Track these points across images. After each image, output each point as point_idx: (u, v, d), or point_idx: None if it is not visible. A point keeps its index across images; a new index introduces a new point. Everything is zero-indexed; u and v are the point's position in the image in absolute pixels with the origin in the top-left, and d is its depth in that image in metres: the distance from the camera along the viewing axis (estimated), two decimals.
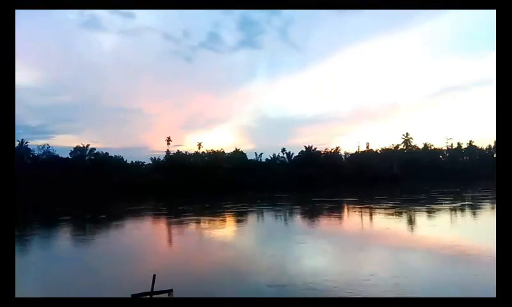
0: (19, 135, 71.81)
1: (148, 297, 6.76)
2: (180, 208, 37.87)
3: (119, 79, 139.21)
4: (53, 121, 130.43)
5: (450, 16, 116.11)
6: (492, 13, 4.28)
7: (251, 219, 28.19)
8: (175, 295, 7.13)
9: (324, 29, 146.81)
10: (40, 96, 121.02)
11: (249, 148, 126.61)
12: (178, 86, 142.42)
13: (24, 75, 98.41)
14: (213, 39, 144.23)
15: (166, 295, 7.05)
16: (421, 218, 24.82)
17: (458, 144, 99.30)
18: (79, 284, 11.19)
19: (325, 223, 24.63)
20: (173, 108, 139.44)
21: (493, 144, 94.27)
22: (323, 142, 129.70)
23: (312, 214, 29.48)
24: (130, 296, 6.73)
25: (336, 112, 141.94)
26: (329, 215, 28.40)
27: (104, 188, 62.83)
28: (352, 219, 26.09)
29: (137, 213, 33.33)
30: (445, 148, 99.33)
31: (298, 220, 26.93)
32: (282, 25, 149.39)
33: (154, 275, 6.94)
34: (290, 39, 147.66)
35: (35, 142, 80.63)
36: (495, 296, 3.74)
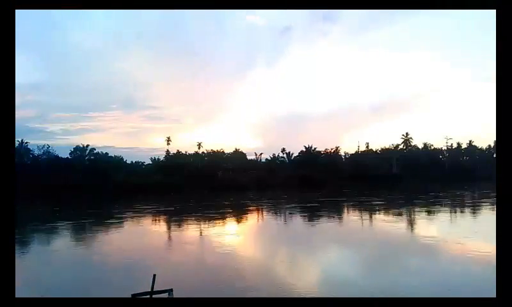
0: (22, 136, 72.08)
1: (148, 296, 6.76)
2: (177, 206, 37.89)
3: (123, 76, 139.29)
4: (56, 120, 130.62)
5: (451, 14, 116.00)
6: (492, 13, 4.29)
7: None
8: (175, 294, 7.13)
9: (321, 27, 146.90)
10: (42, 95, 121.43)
11: (251, 147, 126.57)
12: (181, 81, 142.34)
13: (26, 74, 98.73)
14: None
15: (166, 295, 7.05)
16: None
17: (458, 144, 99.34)
18: (79, 284, 11.19)
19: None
20: (175, 106, 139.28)
21: (493, 144, 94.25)
22: (324, 142, 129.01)
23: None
24: (130, 296, 6.73)
25: (336, 112, 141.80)
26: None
27: (104, 189, 62.76)
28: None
29: (138, 213, 33.30)
30: (445, 148, 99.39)
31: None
32: (282, 25, 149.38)
33: (154, 275, 6.94)
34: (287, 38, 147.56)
35: (35, 141, 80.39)
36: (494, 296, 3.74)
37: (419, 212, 28.33)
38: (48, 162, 70.99)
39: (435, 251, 14.28)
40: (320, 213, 29.26)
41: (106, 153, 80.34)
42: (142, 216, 31.73)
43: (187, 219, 27.57)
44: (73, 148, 78.25)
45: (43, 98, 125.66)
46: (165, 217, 31.86)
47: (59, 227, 25.69)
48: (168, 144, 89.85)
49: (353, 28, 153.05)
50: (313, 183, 69.54)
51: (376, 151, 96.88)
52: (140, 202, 45.52)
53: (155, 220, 29.71)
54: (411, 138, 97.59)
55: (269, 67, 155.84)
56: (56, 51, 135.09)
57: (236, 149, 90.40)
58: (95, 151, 79.28)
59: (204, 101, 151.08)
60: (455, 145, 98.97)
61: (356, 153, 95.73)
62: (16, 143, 68.48)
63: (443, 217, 25.17)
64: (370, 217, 26.71)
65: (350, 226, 23.00)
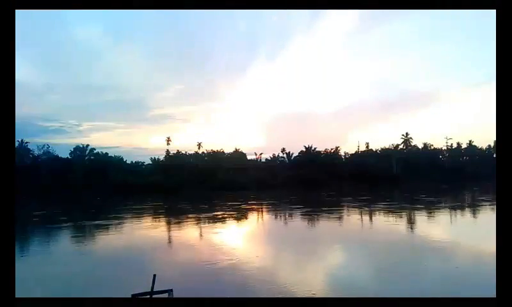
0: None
1: (148, 296, 6.75)
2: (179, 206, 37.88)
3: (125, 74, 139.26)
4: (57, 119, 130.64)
5: (451, 14, 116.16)
6: (492, 13, 4.29)
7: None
8: (175, 295, 7.13)
9: (321, 27, 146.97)
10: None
11: (251, 147, 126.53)
12: (181, 81, 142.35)
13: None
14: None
15: (166, 295, 7.04)
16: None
17: (458, 144, 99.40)
18: (79, 284, 11.20)
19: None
20: (175, 106, 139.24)
21: (493, 144, 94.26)
22: (324, 142, 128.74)
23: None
24: (130, 296, 6.72)
25: (336, 112, 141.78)
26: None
27: (104, 189, 62.80)
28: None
29: (137, 214, 33.31)
30: (445, 148, 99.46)
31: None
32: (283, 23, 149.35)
33: (154, 275, 6.92)
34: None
35: (35, 141, 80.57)
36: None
37: (421, 212, 28.29)
38: (48, 162, 71.04)
39: (447, 253, 14.21)
40: (321, 213, 29.24)
41: (106, 153, 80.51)
42: (142, 216, 31.73)
43: (187, 219, 27.56)
44: (73, 148, 78.48)
45: (43, 98, 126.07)
46: (165, 217, 31.87)
47: (59, 227, 25.72)
48: (168, 144, 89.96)
49: (353, 28, 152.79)
50: (313, 183, 69.56)
51: (376, 151, 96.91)
52: (140, 202, 45.54)
53: (155, 220, 29.68)
54: (411, 138, 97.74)
55: (270, 67, 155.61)
56: (57, 51, 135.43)
57: (236, 149, 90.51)
58: (94, 151, 79.42)
59: (204, 101, 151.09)
60: (455, 145, 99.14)
61: (356, 153, 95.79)
62: (16, 143, 68.51)
63: (445, 218, 25.14)
64: (371, 217, 26.68)
65: (352, 226, 22.96)
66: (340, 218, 26.66)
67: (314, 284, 10.29)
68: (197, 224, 25.16)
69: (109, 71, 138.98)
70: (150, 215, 32.90)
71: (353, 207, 33.85)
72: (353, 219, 26.28)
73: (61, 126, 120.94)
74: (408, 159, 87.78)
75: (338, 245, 16.93)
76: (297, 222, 25.78)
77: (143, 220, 28.85)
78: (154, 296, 6.80)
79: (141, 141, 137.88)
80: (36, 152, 74.47)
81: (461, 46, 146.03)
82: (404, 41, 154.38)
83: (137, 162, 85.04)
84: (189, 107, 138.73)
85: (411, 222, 23.43)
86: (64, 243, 19.98)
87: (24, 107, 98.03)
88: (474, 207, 31.27)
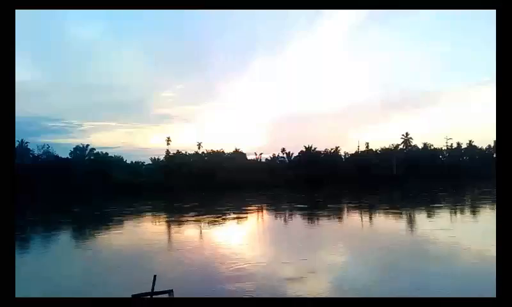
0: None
1: (149, 297, 6.76)
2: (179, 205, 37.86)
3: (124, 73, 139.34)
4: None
5: (451, 14, 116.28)
6: (492, 13, 4.29)
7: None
8: (176, 295, 7.13)
9: (321, 26, 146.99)
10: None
11: (251, 146, 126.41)
12: (181, 81, 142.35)
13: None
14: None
15: (166, 296, 7.04)
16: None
17: (458, 144, 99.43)
18: (80, 284, 11.19)
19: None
20: (175, 106, 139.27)
21: (493, 144, 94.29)
22: (325, 142, 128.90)
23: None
24: (130, 296, 6.73)
25: (336, 112, 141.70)
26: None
27: (104, 189, 62.77)
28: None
29: (138, 214, 33.30)
30: (445, 148, 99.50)
31: None
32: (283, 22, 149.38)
33: (155, 276, 6.94)
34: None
35: (38, 140, 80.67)
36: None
37: (422, 212, 28.29)
38: (48, 162, 70.99)
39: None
40: (321, 213, 29.23)
41: (106, 153, 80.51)
42: (142, 216, 31.73)
43: (187, 219, 27.54)
44: (73, 148, 78.47)
45: (46, 98, 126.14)
46: (165, 217, 31.83)
47: (59, 227, 25.71)
48: (168, 144, 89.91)
49: (353, 28, 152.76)
50: (313, 183, 69.57)
51: (376, 151, 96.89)
52: (140, 202, 45.52)
53: (155, 220, 29.68)
54: (411, 138, 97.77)
55: (270, 66, 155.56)
56: (58, 51, 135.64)
57: (236, 149, 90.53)
58: (94, 151, 79.38)
59: (204, 101, 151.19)
60: (455, 145, 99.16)
61: (356, 153, 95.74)
62: (16, 143, 68.48)
63: (445, 218, 25.14)
64: (371, 217, 26.68)
65: (352, 226, 22.95)
66: (340, 218, 26.63)
67: (314, 283, 10.30)
68: (197, 224, 25.14)
69: (110, 70, 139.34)
70: (150, 216, 32.90)
71: (353, 207, 33.83)
72: (353, 219, 26.25)
73: (63, 126, 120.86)
74: (408, 159, 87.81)
75: (338, 245, 16.92)
76: (298, 223, 25.76)
77: (143, 221, 28.85)
78: (154, 296, 6.80)
79: (141, 141, 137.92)
80: (36, 152, 74.49)
81: (461, 46, 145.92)
82: (404, 41, 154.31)
83: (137, 162, 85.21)
84: (189, 107, 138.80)
85: (411, 221, 23.44)
86: (66, 244, 19.97)
87: (27, 107, 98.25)
88: (474, 207, 31.27)
